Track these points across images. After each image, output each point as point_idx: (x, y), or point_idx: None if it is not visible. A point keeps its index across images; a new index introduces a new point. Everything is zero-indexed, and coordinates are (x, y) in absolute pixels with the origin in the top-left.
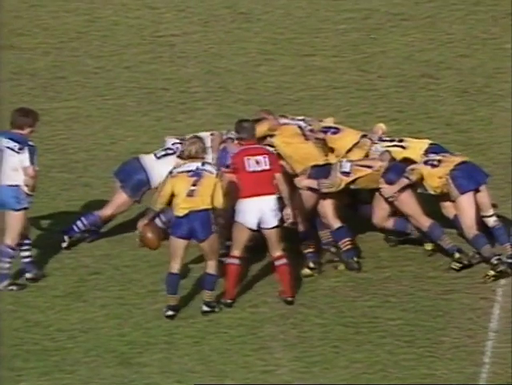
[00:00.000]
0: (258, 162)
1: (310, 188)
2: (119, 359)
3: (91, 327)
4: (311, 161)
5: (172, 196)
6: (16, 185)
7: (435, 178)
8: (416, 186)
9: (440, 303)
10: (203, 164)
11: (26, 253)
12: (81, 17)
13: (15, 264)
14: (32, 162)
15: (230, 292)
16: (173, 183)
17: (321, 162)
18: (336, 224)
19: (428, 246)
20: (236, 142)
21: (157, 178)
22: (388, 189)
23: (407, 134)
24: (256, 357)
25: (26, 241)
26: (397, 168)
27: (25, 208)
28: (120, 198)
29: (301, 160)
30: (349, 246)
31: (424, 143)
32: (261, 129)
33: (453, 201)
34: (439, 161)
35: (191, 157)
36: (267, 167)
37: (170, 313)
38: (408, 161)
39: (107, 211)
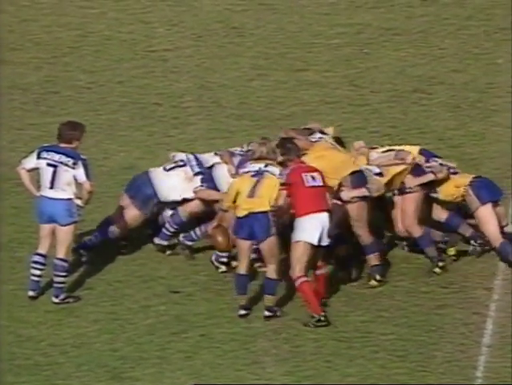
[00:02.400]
0: (313, 178)
1: (360, 197)
2: (111, 374)
3: (84, 342)
4: (344, 170)
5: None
6: (69, 199)
7: (451, 185)
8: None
9: (432, 318)
10: (266, 165)
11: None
12: (73, 31)
13: (71, 277)
14: (88, 176)
15: (316, 308)
16: (238, 183)
17: (356, 168)
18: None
19: (451, 251)
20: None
21: (165, 191)
22: (413, 181)
23: None
24: (248, 371)
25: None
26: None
27: (75, 222)
28: (132, 213)
29: (334, 171)
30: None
31: (415, 148)
32: None
33: (471, 213)
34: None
35: (261, 158)
36: (321, 183)
37: (243, 312)
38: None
39: (120, 226)
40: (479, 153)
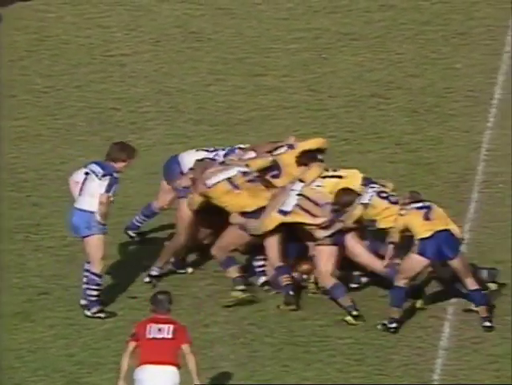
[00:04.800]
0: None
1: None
2: (68, 379)
3: (39, 347)
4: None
5: None
6: (90, 211)
7: (390, 217)
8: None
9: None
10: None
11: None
12: (31, 35)
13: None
14: (108, 190)
15: None
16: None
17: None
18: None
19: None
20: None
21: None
22: (320, 233)
23: (357, 154)
24: (206, 377)
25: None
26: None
27: (101, 234)
28: (170, 193)
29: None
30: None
31: (359, 174)
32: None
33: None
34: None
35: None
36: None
37: (394, 325)
38: (348, 191)
39: (160, 203)
40: (436, 157)
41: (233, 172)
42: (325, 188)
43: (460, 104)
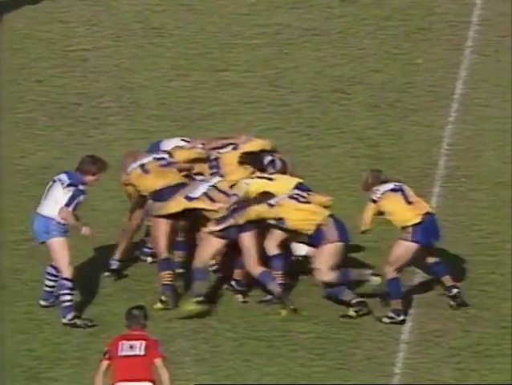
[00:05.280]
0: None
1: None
2: (28, 374)
3: None
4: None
5: None
6: (50, 217)
7: (301, 215)
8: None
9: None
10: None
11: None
12: None
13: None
14: (68, 204)
15: None
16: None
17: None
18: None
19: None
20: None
21: None
22: (214, 226)
23: (318, 149)
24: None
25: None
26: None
27: (61, 237)
28: None
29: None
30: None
31: (294, 181)
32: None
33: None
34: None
35: None
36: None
37: (402, 317)
38: (267, 195)
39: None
40: (397, 152)
41: (147, 158)
42: (250, 186)
43: (421, 99)
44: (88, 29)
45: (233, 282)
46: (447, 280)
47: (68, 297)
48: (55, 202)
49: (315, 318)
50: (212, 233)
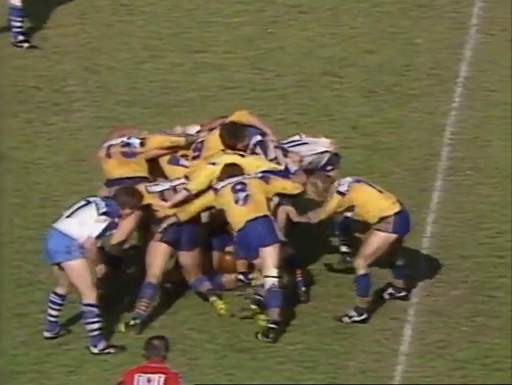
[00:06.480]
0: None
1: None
2: None
3: None
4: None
5: None
6: (73, 238)
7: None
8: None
9: (344, 325)
10: None
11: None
12: None
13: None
14: (100, 236)
15: None
16: None
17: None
18: None
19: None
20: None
21: None
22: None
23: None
24: None
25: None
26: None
27: (83, 259)
28: None
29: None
30: None
31: (266, 164)
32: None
33: None
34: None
35: None
36: None
37: (364, 316)
38: (236, 167)
39: None
40: (396, 142)
41: (116, 141)
42: (218, 164)
43: (422, 83)
44: (50, 5)
45: (240, 276)
46: (400, 283)
47: (96, 326)
48: (82, 224)
49: (305, 327)
50: (158, 234)
